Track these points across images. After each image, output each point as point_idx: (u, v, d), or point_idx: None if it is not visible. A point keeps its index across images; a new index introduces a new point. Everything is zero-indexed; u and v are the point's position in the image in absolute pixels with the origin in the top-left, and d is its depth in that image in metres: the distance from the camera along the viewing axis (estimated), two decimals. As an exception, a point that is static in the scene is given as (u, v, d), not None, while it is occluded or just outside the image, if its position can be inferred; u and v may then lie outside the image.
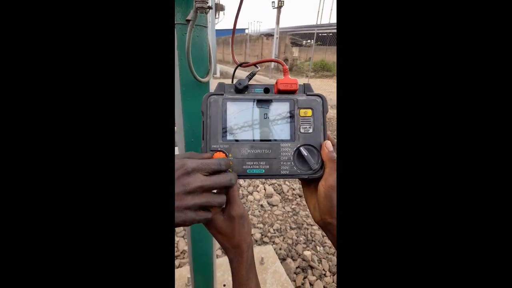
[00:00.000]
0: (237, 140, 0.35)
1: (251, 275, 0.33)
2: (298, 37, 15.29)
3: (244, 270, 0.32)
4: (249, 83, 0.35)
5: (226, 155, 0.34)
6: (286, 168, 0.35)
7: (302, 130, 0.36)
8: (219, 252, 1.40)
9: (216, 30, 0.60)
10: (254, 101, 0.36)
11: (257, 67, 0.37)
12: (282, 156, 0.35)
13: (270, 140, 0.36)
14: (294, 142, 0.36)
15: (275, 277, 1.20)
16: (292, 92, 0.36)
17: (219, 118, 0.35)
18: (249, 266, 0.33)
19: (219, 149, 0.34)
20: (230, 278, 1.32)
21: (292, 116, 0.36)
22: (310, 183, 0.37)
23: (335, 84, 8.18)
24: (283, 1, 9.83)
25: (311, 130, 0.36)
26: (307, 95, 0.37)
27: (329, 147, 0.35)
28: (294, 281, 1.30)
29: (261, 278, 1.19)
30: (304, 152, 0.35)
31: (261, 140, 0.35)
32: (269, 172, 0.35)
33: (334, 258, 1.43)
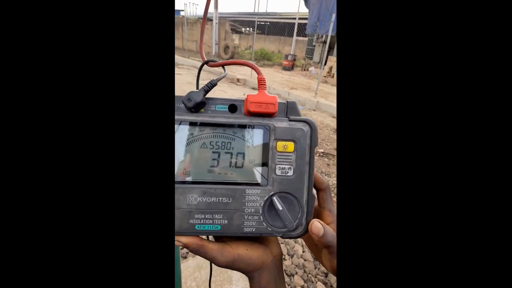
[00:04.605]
0: (183, 182, 0.25)
1: None
2: (237, 24, 15.01)
3: None
4: (207, 96, 0.26)
5: None
6: (252, 224, 0.26)
7: (278, 172, 0.26)
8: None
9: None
10: (212, 126, 0.26)
11: (225, 70, 0.30)
12: (247, 207, 0.26)
13: (231, 183, 0.26)
14: (266, 187, 0.26)
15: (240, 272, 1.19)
16: (269, 115, 0.27)
17: None
18: None
19: None
20: (194, 284, 1.24)
21: (266, 150, 0.26)
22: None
23: (276, 73, 8.46)
24: (220, -16, 9.39)
25: (291, 173, 0.26)
26: (290, 120, 0.27)
27: (317, 231, 0.25)
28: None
29: (227, 276, 1.16)
30: (278, 205, 0.26)
31: (218, 183, 0.26)
32: (227, 230, 0.26)
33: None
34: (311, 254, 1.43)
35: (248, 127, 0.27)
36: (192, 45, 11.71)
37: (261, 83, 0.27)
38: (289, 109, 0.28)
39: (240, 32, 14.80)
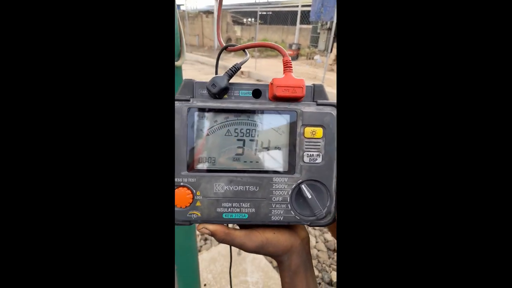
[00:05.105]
0: (209, 171, 0.25)
1: (297, 281, 0.29)
2: (239, 15, 14.76)
3: (287, 277, 0.28)
4: (231, 81, 0.25)
5: (192, 193, 0.24)
6: (279, 213, 0.25)
7: (306, 159, 0.25)
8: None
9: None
10: (236, 112, 0.25)
11: (246, 54, 0.28)
12: (275, 195, 0.25)
13: (258, 171, 0.25)
14: (294, 175, 0.25)
15: (255, 264, 1.20)
16: (296, 99, 0.25)
17: (183, 138, 0.24)
18: (293, 273, 0.28)
19: (181, 184, 0.24)
20: (210, 276, 1.26)
21: (293, 136, 0.25)
22: None
23: (280, 64, 8.30)
24: (220, -25, 9.19)
25: (319, 160, 0.25)
26: (318, 104, 0.25)
27: None
28: (271, 262, 1.33)
29: (242, 268, 1.18)
30: (307, 193, 0.25)
31: (244, 171, 0.25)
32: (255, 218, 0.25)
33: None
34: (324, 244, 1.42)
35: (274, 113, 0.25)
36: (194, 39, 11.60)
37: (287, 65, 0.25)
38: (316, 92, 0.26)
39: (242, 24, 14.56)
